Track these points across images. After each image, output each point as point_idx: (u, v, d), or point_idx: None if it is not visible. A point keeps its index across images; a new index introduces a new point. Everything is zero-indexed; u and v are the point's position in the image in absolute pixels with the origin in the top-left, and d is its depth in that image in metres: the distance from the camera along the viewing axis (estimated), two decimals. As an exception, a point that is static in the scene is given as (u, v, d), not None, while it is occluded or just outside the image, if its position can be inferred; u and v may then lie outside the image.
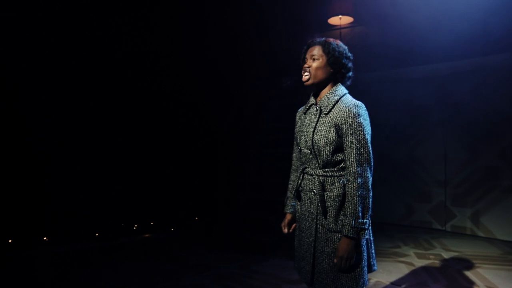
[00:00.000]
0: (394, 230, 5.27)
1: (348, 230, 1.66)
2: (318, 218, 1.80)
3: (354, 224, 1.66)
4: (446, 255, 4.17)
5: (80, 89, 4.63)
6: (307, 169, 1.86)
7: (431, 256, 4.12)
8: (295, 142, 1.98)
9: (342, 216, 1.73)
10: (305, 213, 1.87)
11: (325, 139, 1.74)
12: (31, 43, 4.27)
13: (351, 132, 1.69)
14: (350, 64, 1.84)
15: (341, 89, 1.81)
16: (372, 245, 1.84)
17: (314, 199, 1.81)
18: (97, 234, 4.75)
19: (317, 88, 1.86)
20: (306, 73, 1.82)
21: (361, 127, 1.69)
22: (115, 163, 4.90)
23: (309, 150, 1.82)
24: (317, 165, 1.81)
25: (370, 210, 1.71)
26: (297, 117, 1.99)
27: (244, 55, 5.79)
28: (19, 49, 4.22)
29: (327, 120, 1.76)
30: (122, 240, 4.81)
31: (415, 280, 3.44)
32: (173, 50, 5.32)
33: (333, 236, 1.75)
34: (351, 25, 5.89)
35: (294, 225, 2.04)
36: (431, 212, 5.35)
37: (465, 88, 5.01)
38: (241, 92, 5.90)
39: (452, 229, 5.17)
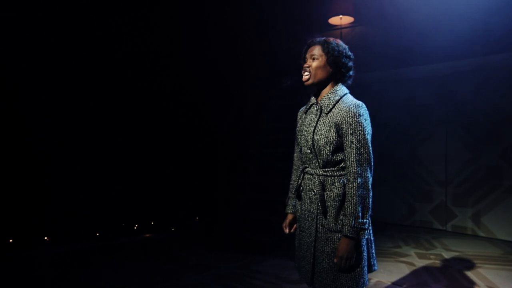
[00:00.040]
0: (395, 230, 5.27)
1: (347, 230, 1.66)
2: (318, 217, 1.79)
3: (354, 224, 1.65)
4: (447, 255, 4.17)
5: (80, 89, 4.63)
6: (308, 169, 1.86)
7: (432, 256, 4.11)
8: (296, 141, 1.98)
9: (342, 216, 1.73)
10: (305, 212, 1.87)
11: (325, 138, 1.74)
12: (31, 43, 4.26)
13: (351, 132, 1.68)
14: (350, 64, 1.84)
15: (341, 89, 1.81)
16: (373, 245, 1.83)
17: (314, 199, 1.81)
18: (97, 234, 4.75)
19: (317, 88, 1.85)
20: (306, 73, 1.82)
21: (361, 127, 1.68)
22: (115, 163, 4.90)
23: (309, 149, 1.81)
24: (317, 164, 1.80)
25: (370, 210, 1.70)
26: (298, 116, 1.99)
27: (244, 55, 5.79)
28: (19, 49, 4.22)
29: (327, 119, 1.76)
30: (122, 240, 4.81)
31: (416, 280, 3.44)
32: (173, 50, 5.32)
33: (333, 235, 1.74)
34: (351, 25, 5.89)
35: (295, 225, 2.04)
36: (432, 212, 5.34)
37: (465, 88, 5.01)
38: (241, 92, 5.90)
39: (453, 229, 5.16)
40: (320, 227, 1.79)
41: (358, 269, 1.72)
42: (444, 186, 5.21)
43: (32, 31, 4.27)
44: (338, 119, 1.72)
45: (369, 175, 1.70)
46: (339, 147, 1.74)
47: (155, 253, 4.34)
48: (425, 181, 5.38)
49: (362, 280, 1.73)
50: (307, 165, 1.87)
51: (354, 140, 1.68)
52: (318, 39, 1.83)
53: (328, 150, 1.74)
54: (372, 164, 1.71)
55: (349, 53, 1.84)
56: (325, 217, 1.77)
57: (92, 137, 4.74)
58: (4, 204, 4.20)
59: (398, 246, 4.50)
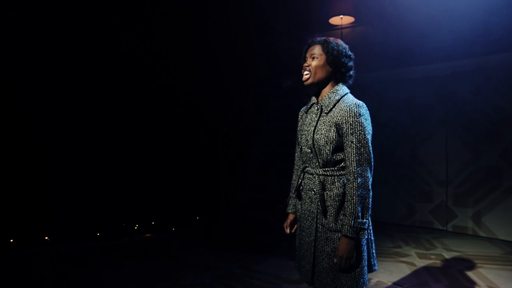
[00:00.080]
0: (395, 230, 5.27)
1: (347, 230, 1.66)
2: (318, 217, 1.79)
3: (354, 224, 1.65)
4: (447, 255, 4.16)
5: (80, 89, 4.62)
6: (308, 168, 1.86)
7: (432, 256, 4.11)
8: (296, 141, 1.98)
9: (341, 216, 1.73)
10: (306, 212, 1.87)
11: (326, 138, 1.74)
12: (31, 43, 4.26)
13: (351, 131, 1.68)
14: (350, 64, 1.83)
15: (342, 89, 1.81)
16: (373, 245, 1.83)
17: (314, 198, 1.80)
18: (97, 234, 4.75)
19: (318, 88, 1.86)
20: (306, 72, 1.82)
21: (361, 126, 1.68)
22: (115, 163, 4.89)
23: (309, 149, 1.81)
24: (317, 164, 1.80)
25: (370, 210, 1.70)
26: (299, 116, 2.00)
27: (244, 55, 5.78)
28: (19, 49, 4.22)
29: (327, 119, 1.76)
30: (123, 240, 4.81)
31: (416, 280, 3.43)
32: (173, 50, 5.32)
33: (333, 235, 1.74)
34: (352, 25, 5.88)
35: (296, 225, 2.03)
36: (432, 212, 5.34)
37: (465, 88, 5.01)
38: (242, 92, 5.90)
39: (453, 229, 5.16)
40: (320, 227, 1.79)
41: (358, 269, 1.72)
42: (445, 186, 5.21)
43: (32, 31, 4.27)
44: (338, 119, 1.72)
45: (369, 175, 1.69)
46: (339, 146, 1.74)
47: (155, 253, 4.33)
48: (425, 181, 5.38)
49: (362, 280, 1.73)
50: (307, 165, 1.87)
51: (354, 139, 1.68)
52: (318, 39, 1.83)
53: (328, 150, 1.74)
54: (372, 164, 1.71)
55: (349, 53, 1.84)
56: (325, 217, 1.76)
57: (92, 137, 4.74)
58: (4, 204, 4.20)
59: (399, 246, 4.50)
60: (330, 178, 1.77)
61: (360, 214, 1.66)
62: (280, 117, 5.51)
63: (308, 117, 1.88)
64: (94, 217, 4.71)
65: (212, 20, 5.50)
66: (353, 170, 1.68)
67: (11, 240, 4.26)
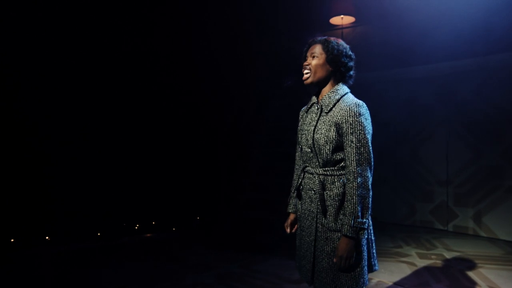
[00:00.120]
0: (396, 230, 5.26)
1: (347, 230, 1.65)
2: (318, 217, 1.79)
3: (353, 223, 1.65)
4: (448, 255, 4.16)
5: (80, 89, 4.62)
6: (308, 168, 1.86)
7: (433, 256, 4.10)
8: (297, 141, 1.98)
9: (341, 216, 1.72)
10: (306, 211, 1.86)
11: (325, 137, 1.73)
12: (31, 43, 4.26)
13: (351, 131, 1.68)
14: (350, 63, 1.83)
15: (342, 88, 1.80)
16: (373, 245, 1.83)
17: (314, 198, 1.80)
18: (97, 234, 4.74)
19: (318, 87, 1.85)
20: (306, 71, 1.82)
21: (361, 126, 1.68)
22: (115, 163, 4.89)
23: (309, 148, 1.81)
24: (317, 163, 1.80)
25: (370, 210, 1.70)
26: (300, 116, 2.00)
27: (244, 55, 5.78)
28: (19, 49, 4.22)
29: (327, 118, 1.75)
30: (123, 239, 4.81)
31: (417, 280, 3.43)
32: (173, 50, 5.31)
33: (333, 235, 1.74)
34: (353, 25, 5.88)
35: (297, 225, 2.03)
36: (433, 212, 5.33)
37: (466, 87, 5.00)
38: (242, 92, 5.89)
39: (454, 229, 5.15)
40: (320, 226, 1.78)
41: (358, 269, 1.71)
42: (445, 186, 5.20)
43: (32, 31, 4.27)
44: (338, 118, 1.71)
45: (369, 174, 1.69)
46: (339, 146, 1.73)
47: (155, 253, 4.33)
48: (425, 181, 5.38)
49: (362, 279, 1.72)
50: (307, 164, 1.86)
51: (354, 139, 1.68)
52: (319, 38, 1.84)
53: (328, 149, 1.74)
54: (372, 163, 1.71)
55: (350, 52, 1.83)
56: (325, 216, 1.76)
57: (92, 137, 4.74)
58: (4, 204, 4.20)
59: (399, 246, 4.49)
60: (330, 177, 1.76)
61: (360, 213, 1.66)
62: (280, 117, 5.51)
63: (309, 116, 1.88)
64: (94, 217, 4.71)
65: (212, 20, 5.50)
66: (353, 170, 1.67)
67: (12, 240, 4.26)
